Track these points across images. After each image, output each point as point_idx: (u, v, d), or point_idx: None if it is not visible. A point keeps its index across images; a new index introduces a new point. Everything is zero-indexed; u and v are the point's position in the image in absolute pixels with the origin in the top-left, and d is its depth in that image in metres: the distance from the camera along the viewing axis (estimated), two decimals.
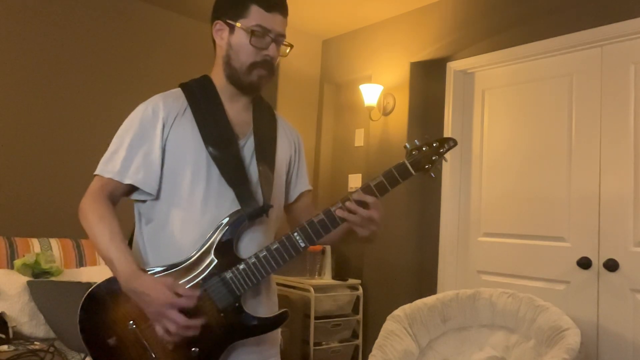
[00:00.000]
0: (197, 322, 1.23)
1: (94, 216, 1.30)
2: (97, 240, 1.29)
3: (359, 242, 1.45)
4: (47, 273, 2.69)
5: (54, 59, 3.23)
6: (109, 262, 1.27)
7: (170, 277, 1.28)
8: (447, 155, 1.41)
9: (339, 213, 1.32)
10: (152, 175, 1.35)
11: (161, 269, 1.30)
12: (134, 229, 1.43)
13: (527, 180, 3.10)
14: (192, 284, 1.29)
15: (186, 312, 1.23)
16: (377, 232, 1.36)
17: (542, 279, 2.96)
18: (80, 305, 1.30)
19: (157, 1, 3.58)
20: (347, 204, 1.31)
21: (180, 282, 1.28)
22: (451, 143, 1.40)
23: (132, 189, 1.36)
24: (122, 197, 1.38)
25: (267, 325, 1.35)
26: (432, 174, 1.38)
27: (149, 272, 1.29)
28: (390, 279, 3.57)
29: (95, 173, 1.36)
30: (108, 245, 1.27)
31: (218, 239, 1.31)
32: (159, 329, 1.24)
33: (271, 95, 3.98)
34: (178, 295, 1.22)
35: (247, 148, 1.41)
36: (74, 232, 2.86)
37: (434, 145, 1.38)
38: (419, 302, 2.86)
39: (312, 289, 3.43)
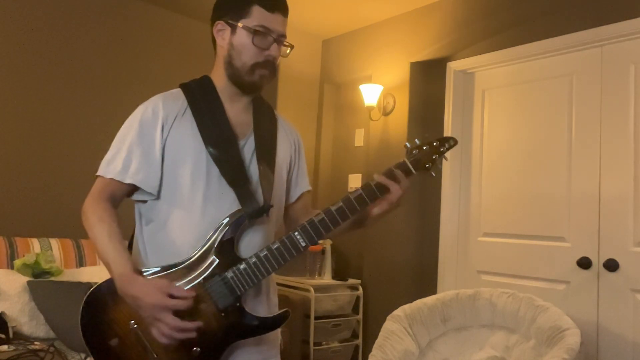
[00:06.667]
0: (191, 324, 1.23)
1: (94, 218, 1.31)
2: (96, 242, 1.30)
3: (361, 227, 1.46)
4: (47, 273, 2.68)
5: (54, 59, 3.22)
6: (106, 264, 1.28)
7: (166, 278, 1.27)
8: (448, 155, 1.42)
9: (381, 179, 1.33)
10: (153, 175, 1.35)
11: (160, 269, 1.30)
12: (134, 230, 1.44)
13: (527, 180, 3.10)
14: (192, 284, 1.29)
15: (183, 314, 1.22)
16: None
17: (542, 279, 2.96)
18: (82, 304, 1.30)
19: (158, 1, 3.58)
20: (390, 172, 1.33)
21: (181, 282, 1.28)
22: (452, 142, 1.41)
23: (134, 189, 1.37)
24: (124, 197, 1.38)
25: (267, 325, 1.35)
26: (433, 173, 1.40)
27: (147, 272, 1.29)
28: (390, 279, 3.56)
29: (97, 174, 1.37)
30: (106, 246, 1.28)
31: (219, 238, 1.30)
32: (155, 332, 1.23)
33: (271, 95, 3.98)
34: (172, 297, 1.22)
35: (248, 148, 1.41)
36: (74, 232, 2.86)
37: (435, 144, 1.39)
38: (419, 302, 2.86)
39: (312, 289, 3.43)
